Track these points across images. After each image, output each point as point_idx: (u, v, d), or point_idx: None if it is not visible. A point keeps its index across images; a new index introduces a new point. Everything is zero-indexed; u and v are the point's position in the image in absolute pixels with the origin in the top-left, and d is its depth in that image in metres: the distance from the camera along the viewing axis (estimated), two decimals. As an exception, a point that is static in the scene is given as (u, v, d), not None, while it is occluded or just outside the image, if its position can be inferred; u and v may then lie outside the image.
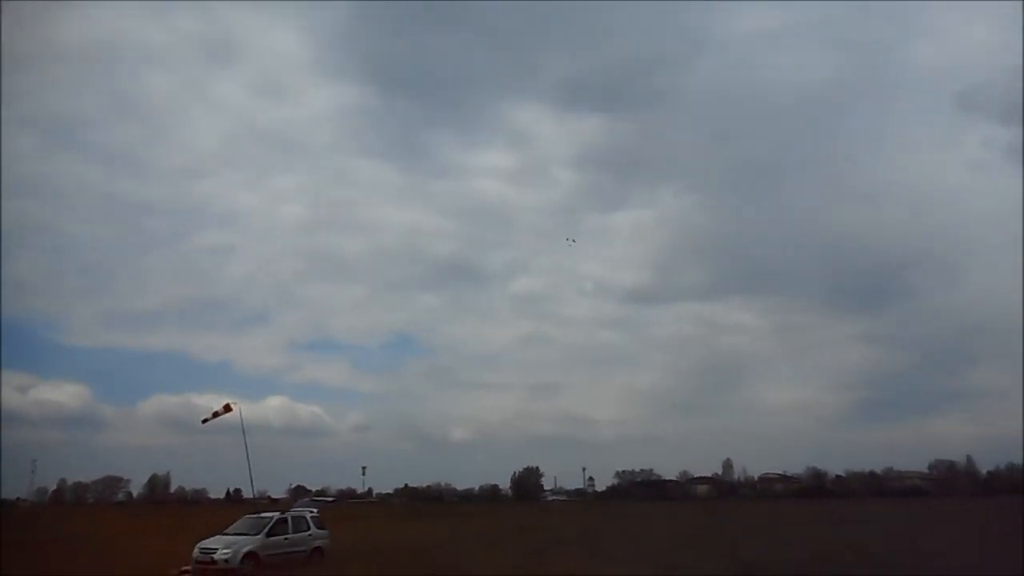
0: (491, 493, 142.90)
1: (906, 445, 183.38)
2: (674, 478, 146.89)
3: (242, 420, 25.29)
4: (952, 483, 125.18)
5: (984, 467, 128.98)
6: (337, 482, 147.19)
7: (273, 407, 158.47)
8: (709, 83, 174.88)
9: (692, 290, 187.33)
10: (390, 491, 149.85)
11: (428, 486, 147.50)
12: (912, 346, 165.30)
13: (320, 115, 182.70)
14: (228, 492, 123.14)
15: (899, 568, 20.65)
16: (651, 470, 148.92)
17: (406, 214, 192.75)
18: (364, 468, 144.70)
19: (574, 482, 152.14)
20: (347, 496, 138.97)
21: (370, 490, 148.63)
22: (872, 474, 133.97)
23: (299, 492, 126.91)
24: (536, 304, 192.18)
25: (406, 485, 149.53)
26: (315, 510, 26.75)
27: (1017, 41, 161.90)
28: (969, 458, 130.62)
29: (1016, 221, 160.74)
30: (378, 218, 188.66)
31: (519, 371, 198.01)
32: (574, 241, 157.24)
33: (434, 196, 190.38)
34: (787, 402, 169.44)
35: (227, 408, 25.06)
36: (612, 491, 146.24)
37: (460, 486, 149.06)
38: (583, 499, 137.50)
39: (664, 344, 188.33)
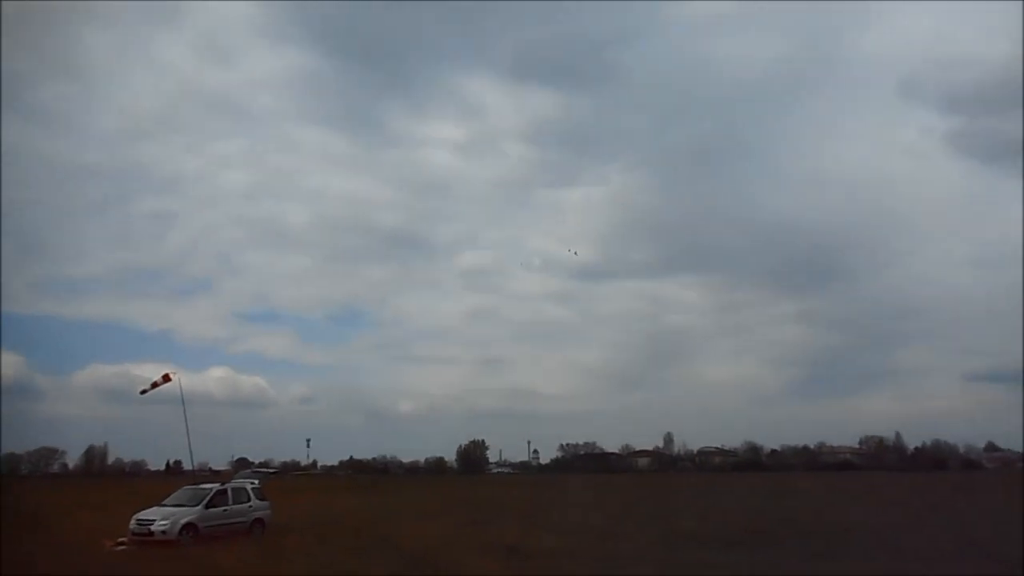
0: (437, 466, 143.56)
1: (838, 421, 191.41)
2: (616, 451, 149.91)
3: (181, 391, 24.98)
4: (881, 458, 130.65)
5: (911, 443, 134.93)
6: (281, 454, 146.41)
7: (215, 378, 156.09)
8: (658, 63, 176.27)
9: (639, 267, 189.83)
10: (335, 463, 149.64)
11: (373, 459, 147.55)
12: (846, 326, 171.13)
13: (265, 79, 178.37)
14: (168, 464, 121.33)
15: (826, 538, 21.60)
16: (594, 443, 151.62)
17: (353, 184, 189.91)
18: (308, 440, 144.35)
19: (519, 455, 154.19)
20: (291, 468, 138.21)
21: (314, 462, 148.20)
22: (806, 448, 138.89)
23: (241, 464, 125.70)
24: (484, 278, 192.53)
25: (351, 457, 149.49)
26: (256, 481, 26.55)
27: (956, 32, 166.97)
28: (897, 434, 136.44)
29: (949, 207, 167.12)
30: (324, 187, 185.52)
31: (466, 345, 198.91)
32: (576, 253, 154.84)
33: (382, 166, 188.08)
34: (726, 378, 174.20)
35: (166, 378, 24.70)
36: (556, 464, 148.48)
37: (406, 459, 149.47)
38: (527, 472, 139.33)
39: (610, 320, 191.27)
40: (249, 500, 23.51)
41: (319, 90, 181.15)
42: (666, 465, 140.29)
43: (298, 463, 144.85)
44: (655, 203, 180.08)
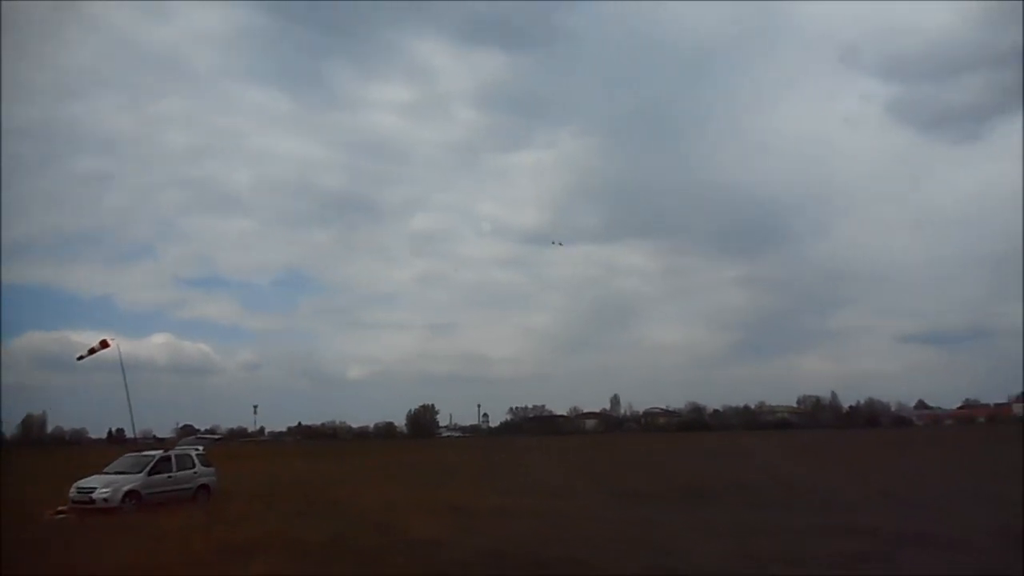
0: (386, 431, 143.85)
1: (778, 381, 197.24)
2: (565, 413, 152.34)
3: (121, 357, 24.48)
4: (817, 416, 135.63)
5: (846, 402, 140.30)
6: (227, 421, 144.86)
7: (158, 344, 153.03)
8: (606, 26, 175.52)
9: (587, 232, 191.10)
10: (283, 429, 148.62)
11: (322, 424, 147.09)
12: (786, 289, 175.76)
13: (205, 36, 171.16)
14: (110, 432, 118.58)
15: (763, 493, 22.44)
16: (543, 406, 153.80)
17: (298, 145, 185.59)
18: (255, 407, 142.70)
19: (469, 419, 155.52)
20: (238, 435, 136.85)
21: (262, 429, 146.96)
22: (747, 408, 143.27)
23: (186, 431, 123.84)
24: (434, 243, 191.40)
25: (299, 423, 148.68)
26: (201, 448, 26.27)
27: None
28: (833, 393, 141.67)
29: (887, 173, 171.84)
30: (268, 148, 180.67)
31: (416, 310, 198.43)
32: (560, 244, 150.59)
33: (328, 127, 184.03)
34: (672, 341, 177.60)
35: (104, 344, 24.13)
36: (505, 427, 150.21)
37: (355, 424, 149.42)
38: (477, 435, 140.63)
39: (559, 284, 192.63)
40: (194, 467, 23.23)
41: (262, 48, 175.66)
42: (613, 426, 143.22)
43: (245, 430, 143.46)
44: (605, 168, 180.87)
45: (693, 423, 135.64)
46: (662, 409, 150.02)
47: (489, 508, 19.40)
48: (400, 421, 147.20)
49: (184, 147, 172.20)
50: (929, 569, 11.05)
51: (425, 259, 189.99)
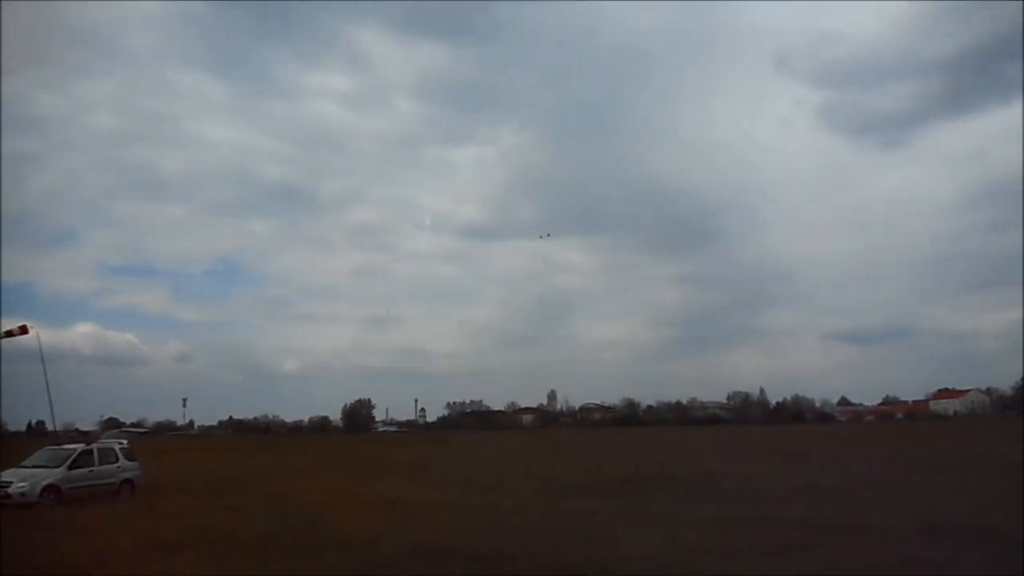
0: (321, 425, 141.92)
1: (709, 377, 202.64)
2: (502, 409, 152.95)
3: (41, 346, 23.48)
4: (746, 412, 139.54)
5: (774, 398, 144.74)
6: (155, 414, 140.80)
7: (82, 334, 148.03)
8: (549, 21, 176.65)
9: (528, 227, 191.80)
10: (213, 424, 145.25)
11: (255, 418, 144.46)
12: (718, 287, 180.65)
13: (137, 16, 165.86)
14: (29, 425, 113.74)
15: (692, 486, 22.96)
16: (481, 401, 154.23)
17: (234, 132, 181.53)
18: (185, 400, 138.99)
19: (406, 413, 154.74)
20: (166, 428, 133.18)
21: (191, 422, 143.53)
22: (679, 404, 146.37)
23: (111, 424, 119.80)
24: (373, 235, 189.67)
25: (231, 417, 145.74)
26: (125, 442, 25.34)
27: (829, 8, 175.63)
28: (762, 390, 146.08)
29: (817, 176, 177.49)
30: (203, 134, 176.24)
31: (354, 303, 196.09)
32: (548, 235, 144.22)
33: (266, 115, 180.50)
34: (608, 337, 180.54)
35: (23, 330, 23.07)
36: (443, 422, 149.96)
37: (289, 418, 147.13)
38: (414, 430, 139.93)
39: (498, 279, 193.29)
40: (117, 461, 22.45)
41: (199, 32, 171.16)
42: (549, 422, 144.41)
43: (174, 423, 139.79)
44: (546, 164, 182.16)
45: (627, 418, 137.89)
46: (598, 405, 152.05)
47: (424, 502, 19.33)
48: (335, 415, 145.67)
49: (113, 129, 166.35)
50: (855, 558, 11.46)
51: (364, 252, 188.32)
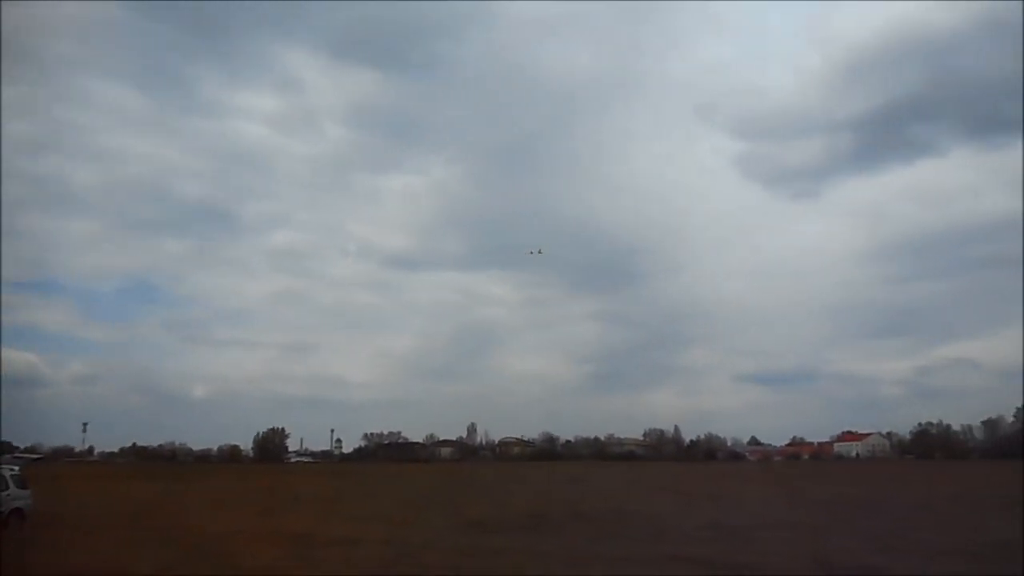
0: (231, 454, 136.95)
1: (626, 414, 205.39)
2: (420, 441, 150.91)
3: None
4: (661, 449, 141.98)
5: (688, 436, 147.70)
6: (52, 439, 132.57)
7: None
8: (482, 58, 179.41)
9: (452, 259, 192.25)
10: (115, 450, 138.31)
11: (160, 445, 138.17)
12: (637, 325, 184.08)
13: (52, 22, 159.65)
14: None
15: (602, 523, 23.25)
16: (399, 433, 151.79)
17: (152, 147, 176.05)
18: (85, 424, 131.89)
19: (321, 444, 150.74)
20: (63, 454, 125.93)
21: (91, 448, 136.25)
22: (596, 439, 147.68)
23: (3, 449, 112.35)
24: (295, 260, 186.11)
25: (134, 444, 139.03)
26: (16, 468, 23.93)
27: (750, 63, 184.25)
28: (676, 427, 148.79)
29: (732, 222, 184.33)
30: (119, 148, 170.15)
31: (271, 328, 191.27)
32: (540, 252, 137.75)
33: (187, 132, 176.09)
34: (528, 371, 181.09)
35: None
36: (359, 453, 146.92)
37: (197, 446, 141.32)
38: (329, 461, 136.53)
39: (421, 310, 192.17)
40: (7, 488, 21.18)
41: (119, 42, 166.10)
42: (468, 455, 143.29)
43: (72, 449, 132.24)
44: (472, 197, 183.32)
45: (545, 453, 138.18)
46: (516, 438, 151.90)
47: (332, 537, 18.95)
48: (247, 444, 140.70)
49: (18, 137, 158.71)
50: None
51: (284, 276, 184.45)
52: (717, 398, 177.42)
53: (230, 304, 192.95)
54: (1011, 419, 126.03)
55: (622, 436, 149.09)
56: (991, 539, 17.84)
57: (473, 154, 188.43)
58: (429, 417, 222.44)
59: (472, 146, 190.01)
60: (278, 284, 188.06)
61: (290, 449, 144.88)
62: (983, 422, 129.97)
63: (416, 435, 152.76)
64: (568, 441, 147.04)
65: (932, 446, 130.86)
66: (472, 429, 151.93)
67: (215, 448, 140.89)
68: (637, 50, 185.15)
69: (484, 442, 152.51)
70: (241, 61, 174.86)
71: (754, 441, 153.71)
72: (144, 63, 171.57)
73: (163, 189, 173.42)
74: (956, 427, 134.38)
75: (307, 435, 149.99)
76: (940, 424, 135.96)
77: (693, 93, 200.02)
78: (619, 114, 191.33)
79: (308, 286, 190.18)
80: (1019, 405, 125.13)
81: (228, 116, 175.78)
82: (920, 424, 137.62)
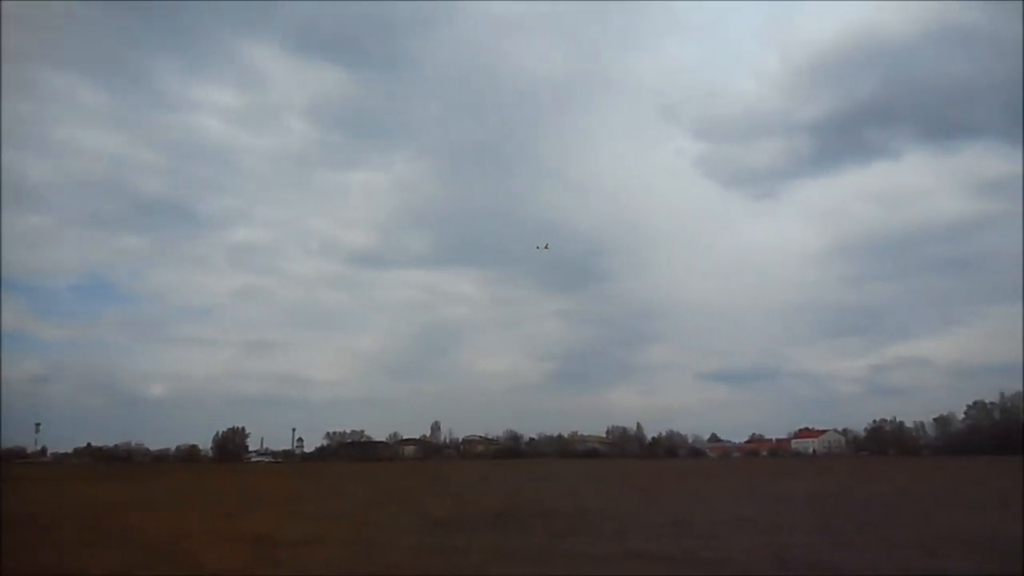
0: (189, 454, 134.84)
1: (590, 412, 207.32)
2: (384, 439, 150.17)
3: None
4: (624, 446, 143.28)
5: (650, 433, 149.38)
6: (4, 440, 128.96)
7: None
8: (449, 57, 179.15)
9: (417, 257, 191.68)
10: (69, 451, 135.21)
11: (116, 445, 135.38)
12: (601, 324, 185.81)
13: (6, 11, 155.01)
14: None
15: (565, 520, 23.36)
16: (362, 431, 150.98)
17: (110, 141, 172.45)
18: (38, 425, 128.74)
19: (283, 443, 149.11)
20: (15, 455, 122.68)
21: (44, 449, 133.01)
22: (560, 437, 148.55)
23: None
24: (256, 257, 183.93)
25: (89, 444, 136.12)
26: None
27: (712, 66, 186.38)
28: (639, 425, 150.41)
29: (693, 223, 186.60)
30: (75, 141, 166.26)
31: (232, 326, 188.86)
32: (547, 247, 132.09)
33: (145, 126, 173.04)
34: (493, 369, 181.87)
35: None
36: (321, 452, 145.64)
37: (154, 446, 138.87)
38: (290, 460, 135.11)
39: (386, 308, 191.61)
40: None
41: (75, 34, 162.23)
42: (432, 453, 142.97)
43: (24, 450, 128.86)
44: (438, 194, 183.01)
45: (509, 451, 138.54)
46: (481, 437, 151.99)
47: (293, 537, 18.76)
48: (206, 444, 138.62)
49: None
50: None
51: (245, 273, 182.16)
52: (678, 396, 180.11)
53: (190, 301, 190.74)
54: (962, 416, 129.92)
55: (585, 434, 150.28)
56: (943, 533, 18.34)
57: (438, 151, 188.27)
58: (393, 416, 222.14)
59: (437, 144, 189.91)
60: (239, 281, 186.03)
61: (250, 448, 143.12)
62: (935, 419, 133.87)
63: (379, 434, 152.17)
64: (532, 439, 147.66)
65: (886, 442, 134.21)
66: (436, 427, 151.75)
67: (173, 448, 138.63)
68: (602, 50, 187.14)
69: (448, 440, 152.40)
70: (202, 55, 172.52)
71: (714, 438, 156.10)
72: (101, 56, 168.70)
73: (120, 184, 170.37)
74: (909, 424, 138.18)
75: (268, 434, 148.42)
76: (894, 421, 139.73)
77: (656, 94, 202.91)
78: (584, 114, 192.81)
79: (270, 283, 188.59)
80: (969, 403, 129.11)
81: (188, 110, 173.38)
82: (875, 421, 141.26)
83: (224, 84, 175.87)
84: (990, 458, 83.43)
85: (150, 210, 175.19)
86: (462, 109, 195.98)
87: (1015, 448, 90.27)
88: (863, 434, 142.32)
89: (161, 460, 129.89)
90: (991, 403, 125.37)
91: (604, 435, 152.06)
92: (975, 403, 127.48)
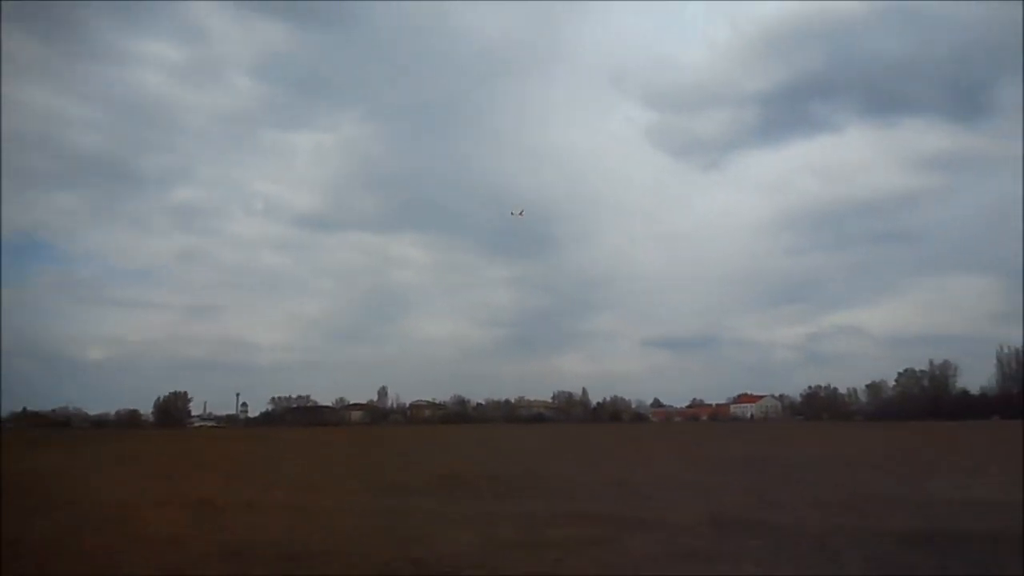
0: (130, 419, 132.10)
1: (536, 377, 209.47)
2: (330, 404, 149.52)
3: None
4: (570, 411, 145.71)
5: (595, 398, 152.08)
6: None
7: None
8: (395, 17, 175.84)
9: (364, 220, 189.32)
10: (3, 416, 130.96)
11: (53, 411, 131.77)
12: (548, 291, 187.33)
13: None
14: None
15: (512, 482, 23.80)
16: (308, 396, 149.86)
17: (41, 94, 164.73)
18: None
19: (227, 408, 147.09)
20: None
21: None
22: (507, 402, 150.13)
23: None
24: (198, 217, 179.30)
25: (24, 409, 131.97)
26: None
27: (662, 34, 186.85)
28: (584, 390, 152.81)
29: (642, 192, 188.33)
30: (4, 94, 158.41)
31: (173, 289, 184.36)
32: (521, 213, 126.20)
33: (80, 79, 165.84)
34: (440, 334, 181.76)
35: None
36: (266, 417, 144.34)
37: (93, 411, 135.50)
38: (234, 425, 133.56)
39: (332, 271, 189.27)
40: None
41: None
42: (379, 418, 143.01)
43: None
44: (386, 157, 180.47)
45: (457, 415, 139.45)
46: (428, 401, 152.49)
47: (238, 502, 18.71)
48: (146, 408, 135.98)
49: None
50: (651, 549, 12.49)
51: (187, 234, 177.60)
52: (623, 362, 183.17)
53: (128, 263, 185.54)
54: (893, 383, 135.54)
55: (532, 399, 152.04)
56: (867, 493, 19.31)
57: (387, 113, 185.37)
58: (339, 380, 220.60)
59: (386, 105, 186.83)
60: (180, 242, 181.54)
61: (193, 413, 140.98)
62: (867, 386, 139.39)
63: (326, 399, 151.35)
64: (479, 404, 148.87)
65: (820, 408, 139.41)
66: (383, 392, 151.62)
67: (113, 413, 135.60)
68: (553, 15, 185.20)
69: (395, 405, 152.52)
70: (141, 6, 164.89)
71: (657, 403, 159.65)
72: (33, 4, 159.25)
73: (53, 139, 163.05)
74: (843, 390, 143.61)
75: (211, 399, 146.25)
76: (828, 387, 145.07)
77: (607, 61, 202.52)
78: (536, 79, 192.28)
79: (212, 245, 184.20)
80: (900, 371, 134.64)
81: (126, 64, 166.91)
82: (810, 387, 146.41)
83: (165, 38, 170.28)
84: (919, 423, 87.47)
85: (86, 167, 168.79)
86: (413, 71, 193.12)
87: (942, 414, 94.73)
88: (799, 400, 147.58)
89: (101, 425, 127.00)
90: (921, 371, 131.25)
91: (550, 400, 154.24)
92: (905, 371, 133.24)
